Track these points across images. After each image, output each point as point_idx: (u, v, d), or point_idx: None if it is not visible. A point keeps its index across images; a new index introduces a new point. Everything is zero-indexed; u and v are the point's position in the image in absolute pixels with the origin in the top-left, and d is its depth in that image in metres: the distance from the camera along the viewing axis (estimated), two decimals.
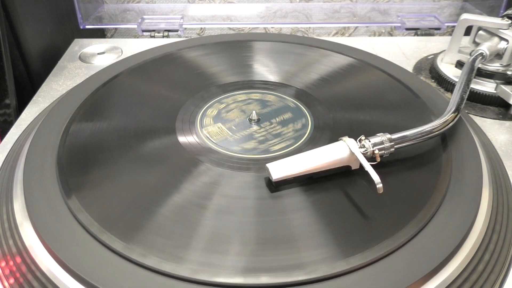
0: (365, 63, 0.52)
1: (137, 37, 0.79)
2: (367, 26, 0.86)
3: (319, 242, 0.30)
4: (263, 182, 0.35)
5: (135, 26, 0.70)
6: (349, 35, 0.87)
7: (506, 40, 0.50)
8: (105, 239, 0.30)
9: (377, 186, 0.32)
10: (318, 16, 0.80)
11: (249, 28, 0.85)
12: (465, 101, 0.42)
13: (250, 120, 0.43)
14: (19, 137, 0.45)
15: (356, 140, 0.35)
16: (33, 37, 0.60)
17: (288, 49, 0.56)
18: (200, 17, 0.77)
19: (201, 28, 0.86)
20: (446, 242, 0.31)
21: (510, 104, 0.48)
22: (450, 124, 0.39)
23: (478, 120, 0.48)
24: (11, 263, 0.31)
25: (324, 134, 0.41)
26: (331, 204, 0.33)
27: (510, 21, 0.50)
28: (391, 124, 0.43)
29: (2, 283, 0.31)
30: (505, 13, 0.52)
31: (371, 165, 0.33)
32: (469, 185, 0.35)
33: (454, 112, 0.40)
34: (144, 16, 0.73)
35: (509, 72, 0.49)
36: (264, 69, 0.52)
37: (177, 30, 0.69)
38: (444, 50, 0.57)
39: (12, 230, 0.33)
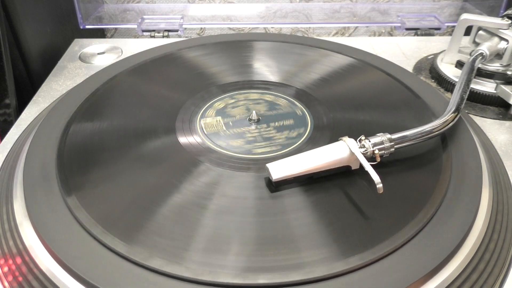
0: (365, 63, 0.52)
1: (137, 37, 0.79)
2: (367, 26, 0.86)
3: (319, 242, 0.30)
4: (263, 182, 0.35)
5: (135, 26, 0.70)
6: (349, 35, 0.87)
7: (506, 40, 0.50)
8: (105, 239, 0.30)
9: (377, 186, 0.32)
10: (318, 16, 0.80)
11: (249, 28, 0.85)
12: (465, 101, 0.42)
13: (250, 119, 0.43)
14: (19, 137, 0.45)
15: (356, 140, 0.35)
16: (33, 37, 0.60)
17: (288, 49, 0.56)
18: (200, 17, 0.77)
19: (201, 28, 0.86)
20: (446, 242, 0.31)
21: (510, 104, 0.48)
22: (450, 124, 0.39)
23: (478, 120, 0.48)
24: (11, 263, 0.31)
25: (324, 134, 0.41)
26: (331, 204, 0.33)
27: (510, 21, 0.50)
28: (391, 124, 0.43)
29: (2, 283, 0.31)
30: (505, 13, 0.52)
31: (371, 165, 0.33)
32: (469, 185, 0.35)
33: (454, 112, 0.40)
34: (144, 16, 0.73)
35: (509, 72, 0.49)
36: (264, 69, 0.52)
37: (177, 30, 0.69)
38: (444, 50, 0.57)
39: (12, 230, 0.33)
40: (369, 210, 0.33)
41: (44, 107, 0.50)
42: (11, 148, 0.43)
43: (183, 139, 0.40)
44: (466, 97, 0.42)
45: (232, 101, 0.46)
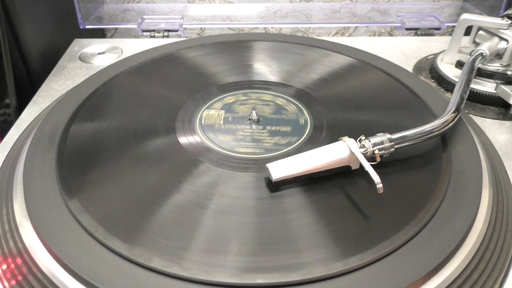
0: (365, 63, 0.52)
1: (137, 37, 0.79)
2: (367, 26, 0.86)
3: (318, 242, 0.30)
4: (263, 182, 0.35)
5: (135, 26, 0.70)
6: (349, 35, 0.87)
7: (506, 40, 0.50)
8: (105, 239, 0.30)
9: (377, 186, 0.32)
10: (318, 16, 0.80)
11: (249, 28, 0.85)
12: (465, 101, 0.42)
13: (250, 119, 0.43)
14: (19, 137, 0.45)
15: (356, 140, 0.35)
16: (33, 37, 0.60)
17: (288, 49, 0.56)
18: (200, 17, 0.77)
19: (201, 28, 0.86)
20: (446, 242, 0.31)
21: (510, 104, 0.48)
22: (450, 124, 0.39)
23: (478, 120, 0.48)
24: (11, 263, 0.31)
25: (324, 134, 0.41)
26: (331, 204, 0.33)
27: (510, 21, 0.50)
28: (391, 124, 0.43)
29: (2, 283, 0.31)
30: (505, 13, 0.52)
31: (371, 165, 0.33)
32: (469, 185, 0.35)
33: (454, 112, 0.40)
34: (144, 16, 0.73)
35: (509, 72, 0.49)
36: (264, 69, 0.52)
37: (177, 30, 0.69)
38: (444, 50, 0.57)
39: (12, 231, 0.33)
40: (369, 210, 0.33)
41: (44, 107, 0.50)
42: (11, 148, 0.43)
43: (183, 139, 0.40)
44: (466, 97, 0.42)
45: (244, 98, 0.46)
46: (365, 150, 0.35)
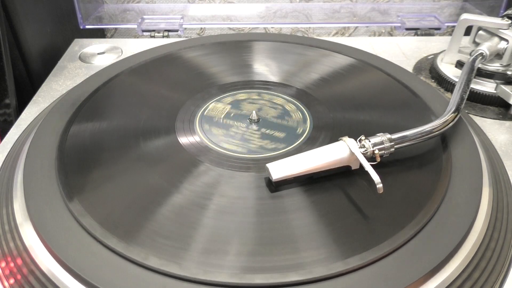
0: (365, 63, 0.52)
1: (137, 37, 0.79)
2: (367, 26, 0.86)
3: (318, 242, 0.30)
4: (263, 182, 0.35)
5: (135, 26, 0.70)
6: (349, 35, 0.87)
7: (506, 40, 0.50)
8: (105, 239, 0.30)
9: (377, 186, 0.32)
10: (318, 16, 0.80)
11: (249, 28, 0.85)
12: (465, 101, 0.42)
13: (249, 118, 0.43)
14: (19, 137, 0.45)
15: (356, 140, 0.35)
16: (33, 37, 0.60)
17: (288, 49, 0.56)
18: (200, 17, 0.77)
19: (201, 28, 0.86)
20: (446, 242, 0.31)
21: (510, 104, 0.48)
22: (450, 124, 0.39)
23: (478, 120, 0.48)
24: (11, 263, 0.31)
25: (324, 134, 0.41)
26: (331, 204, 0.33)
27: (510, 21, 0.50)
28: (391, 124, 0.43)
29: (2, 283, 0.31)
30: (505, 13, 0.52)
31: (371, 165, 0.33)
32: (469, 185, 0.35)
33: (454, 112, 0.40)
34: (144, 16, 0.73)
35: (509, 72, 0.49)
36: (264, 69, 0.52)
37: (177, 30, 0.69)
38: (444, 50, 0.57)
39: (12, 231, 0.33)
40: (369, 210, 0.33)
41: (44, 107, 0.50)
42: (11, 148, 0.43)
43: (183, 139, 0.40)
44: (466, 97, 0.42)
45: (256, 97, 0.46)
46: (365, 150, 0.35)
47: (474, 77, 0.48)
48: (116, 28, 0.85)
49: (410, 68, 0.58)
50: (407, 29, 0.71)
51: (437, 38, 0.67)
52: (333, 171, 0.35)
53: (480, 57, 0.48)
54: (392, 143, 0.36)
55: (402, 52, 0.62)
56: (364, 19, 0.79)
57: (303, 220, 0.32)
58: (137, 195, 0.34)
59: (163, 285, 0.28)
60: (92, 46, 0.63)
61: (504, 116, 0.49)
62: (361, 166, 0.34)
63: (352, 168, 0.36)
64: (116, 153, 0.38)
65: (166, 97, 0.46)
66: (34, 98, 0.52)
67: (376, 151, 0.35)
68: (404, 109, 0.45)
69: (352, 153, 0.35)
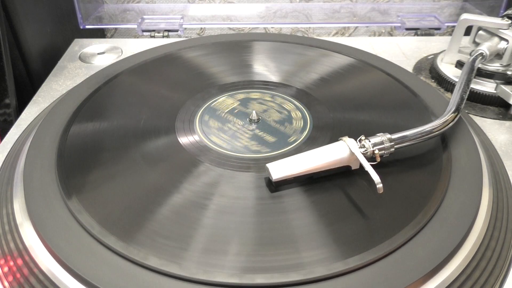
0: (365, 63, 0.52)
1: (137, 37, 0.79)
2: (367, 26, 0.86)
3: (318, 242, 0.30)
4: (263, 182, 0.35)
5: (135, 26, 0.70)
6: (349, 35, 0.87)
7: (506, 40, 0.50)
8: (105, 239, 0.30)
9: (377, 186, 0.32)
10: (318, 16, 0.80)
11: (249, 28, 0.85)
12: (465, 101, 0.42)
13: (250, 118, 0.43)
14: (19, 137, 0.45)
15: (356, 140, 0.35)
16: (33, 37, 0.60)
17: (288, 49, 0.56)
18: (200, 17, 0.77)
19: (201, 28, 0.86)
20: (446, 242, 0.31)
21: (510, 104, 0.48)
22: (450, 124, 0.39)
23: (478, 120, 0.48)
24: (11, 263, 0.31)
25: (324, 134, 0.41)
26: (331, 204, 0.33)
27: (510, 21, 0.50)
28: (391, 124, 0.43)
29: (2, 283, 0.31)
30: (505, 13, 0.52)
31: (371, 165, 0.33)
32: (469, 185, 0.35)
33: (454, 112, 0.40)
34: (144, 16, 0.73)
35: (509, 72, 0.49)
36: (264, 69, 0.52)
37: (177, 30, 0.69)
38: (444, 50, 0.57)
39: (12, 230, 0.33)
40: (369, 210, 0.33)
41: (44, 107, 0.50)
42: (11, 148, 0.43)
43: (183, 139, 0.40)
44: (466, 97, 0.42)
45: (268, 99, 0.46)
46: (365, 150, 0.35)
47: (474, 77, 0.48)
48: (116, 28, 0.85)
49: (410, 68, 0.58)
50: (407, 29, 0.71)
51: (437, 38, 0.67)
52: (333, 171, 0.35)
53: (480, 57, 0.48)
54: (392, 143, 0.36)
55: (402, 52, 0.62)
56: (364, 19, 0.79)
57: (303, 220, 0.32)
58: (137, 195, 0.34)
59: (164, 285, 0.28)
60: (92, 46, 0.63)
61: (504, 116, 0.49)
62: (361, 166, 0.34)
63: (352, 168, 0.36)
64: (116, 153, 0.38)
65: (166, 97, 0.46)
66: (34, 98, 0.52)
67: (376, 151, 0.35)
68: (404, 109, 0.45)
69: (352, 153, 0.35)
